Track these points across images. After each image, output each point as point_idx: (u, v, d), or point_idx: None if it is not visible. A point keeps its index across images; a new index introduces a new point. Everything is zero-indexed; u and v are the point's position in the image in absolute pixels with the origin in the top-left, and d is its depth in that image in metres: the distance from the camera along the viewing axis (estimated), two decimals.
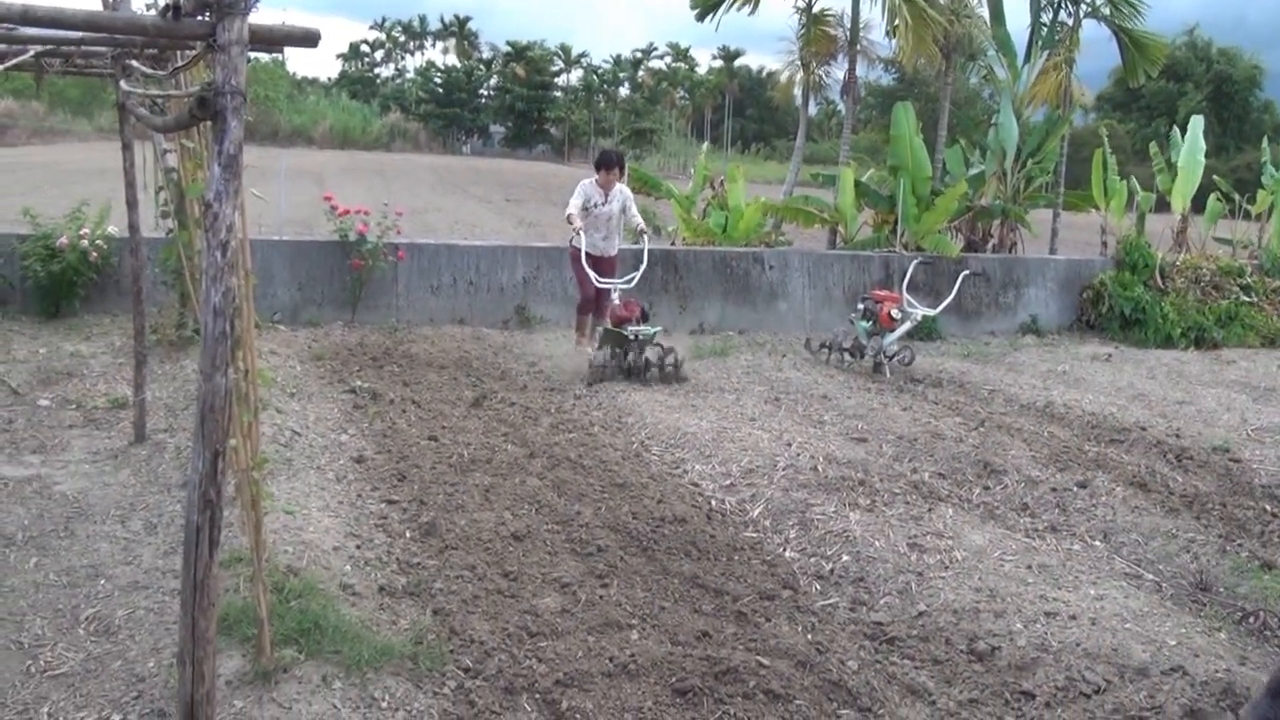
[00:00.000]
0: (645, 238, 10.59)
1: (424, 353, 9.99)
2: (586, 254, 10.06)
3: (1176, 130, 17.23)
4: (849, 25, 19.65)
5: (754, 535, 5.93)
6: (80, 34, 4.15)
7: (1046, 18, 16.91)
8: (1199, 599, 5.38)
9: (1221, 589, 5.49)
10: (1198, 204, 16.93)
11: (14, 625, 4.31)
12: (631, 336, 9.34)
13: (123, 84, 5.15)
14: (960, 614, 4.93)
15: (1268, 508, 6.72)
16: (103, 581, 4.77)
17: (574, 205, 10.21)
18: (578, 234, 10.01)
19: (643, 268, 10.19)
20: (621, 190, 10.62)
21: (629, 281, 9.99)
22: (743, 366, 10.44)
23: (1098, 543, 6.08)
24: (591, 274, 9.98)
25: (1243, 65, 65.69)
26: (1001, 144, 15.99)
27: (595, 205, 10.34)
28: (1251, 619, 5.09)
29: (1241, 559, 5.82)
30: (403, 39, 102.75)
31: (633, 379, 9.29)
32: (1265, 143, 18.95)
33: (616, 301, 9.69)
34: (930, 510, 6.25)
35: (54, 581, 4.75)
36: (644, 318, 9.60)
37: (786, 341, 12.16)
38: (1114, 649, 4.54)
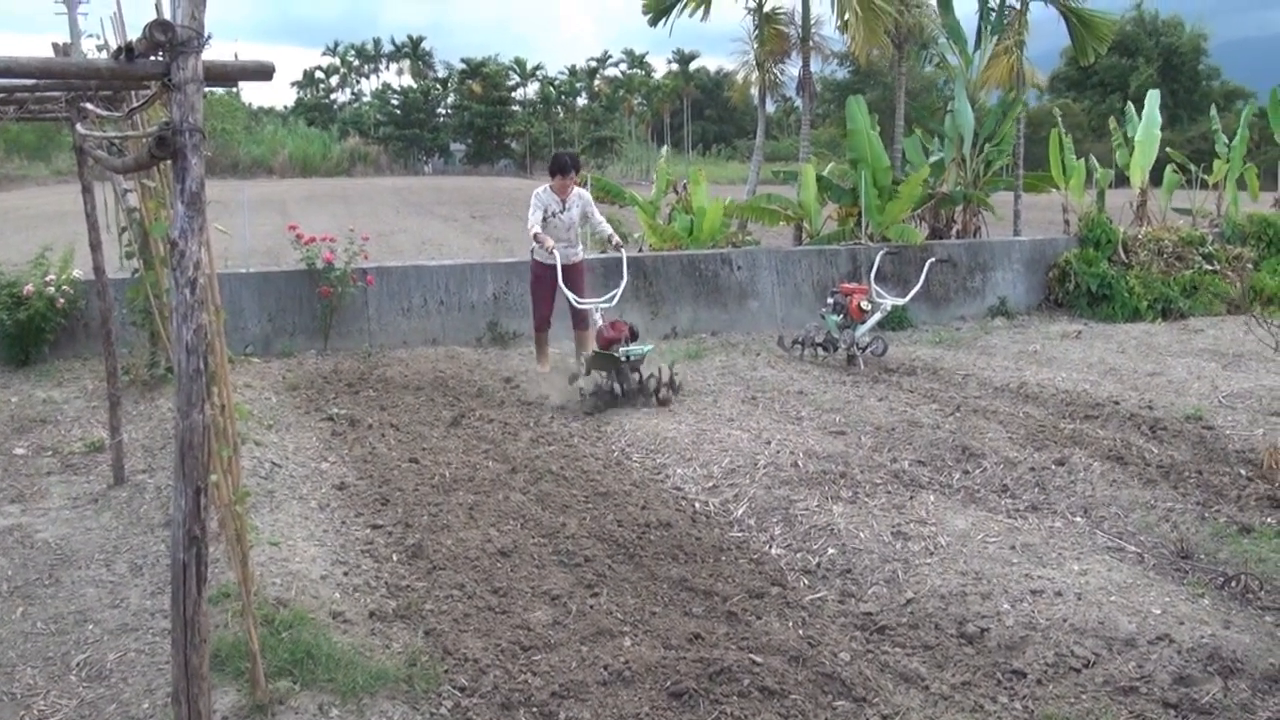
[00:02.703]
0: (622, 251, 10.10)
1: (399, 375, 9.98)
2: (545, 264, 9.71)
3: (1131, 106, 17.42)
4: (801, 22, 19.78)
5: (739, 535, 5.96)
6: (34, 80, 4.15)
7: (994, 2, 17.07)
8: (1181, 567, 5.45)
9: (1202, 555, 5.56)
10: (1156, 177, 17.12)
11: (5, 676, 4.29)
12: (622, 358, 8.80)
13: (79, 127, 5.14)
14: (948, 598, 4.97)
15: (1243, 472, 6.81)
16: (91, 626, 4.75)
17: (534, 220, 9.77)
18: (550, 253, 9.47)
19: (623, 283, 9.74)
20: (580, 195, 10.17)
21: (610, 300, 9.49)
22: (717, 368, 10.48)
23: (1079, 519, 6.14)
24: (570, 295, 9.53)
25: (1188, 36, 66.39)
26: (959, 130, 16.12)
27: (554, 214, 9.89)
28: (1233, 583, 5.16)
29: (1220, 524, 5.89)
30: (357, 63, 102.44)
31: (628, 403, 8.78)
32: (1213, 111, 19.19)
33: (600, 322, 9.16)
34: (912, 498, 6.30)
35: (42, 630, 4.73)
36: (633, 336, 9.00)
37: (759, 340, 12.21)
38: (1101, 622, 4.60)
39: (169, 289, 2.93)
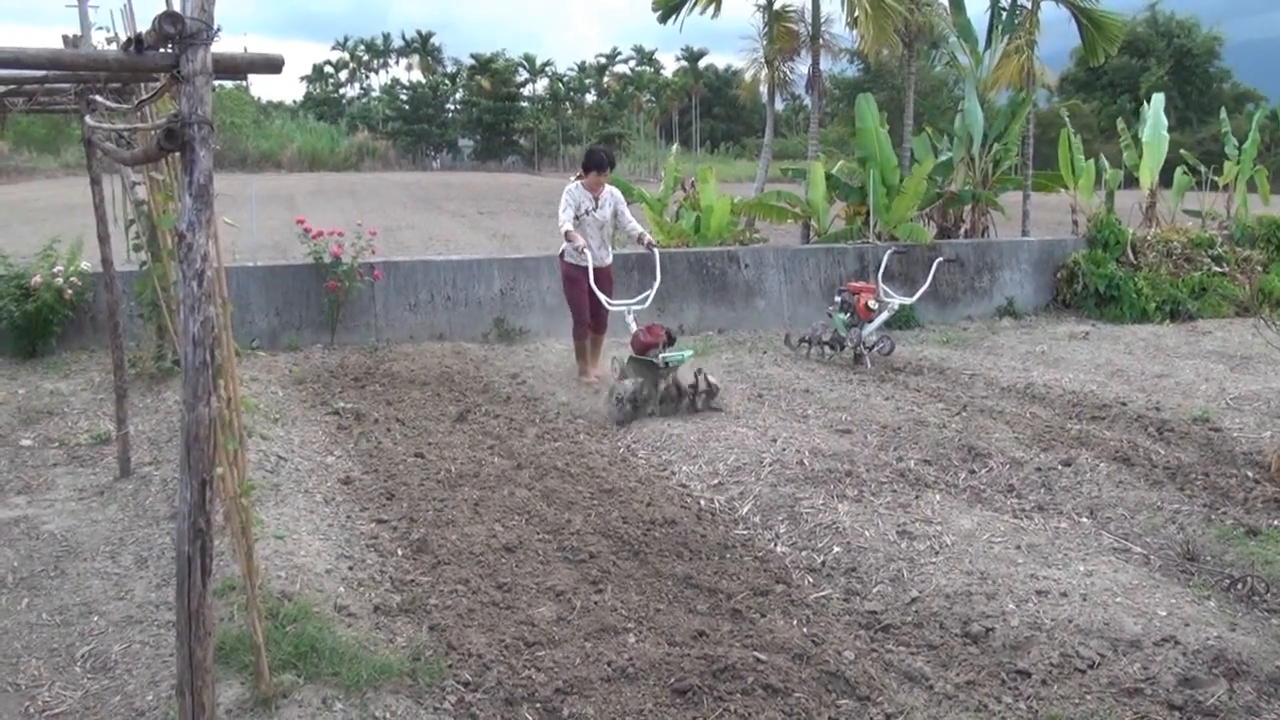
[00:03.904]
0: (655, 251, 9.58)
1: (405, 370, 9.98)
2: (578, 265, 9.33)
3: (1144, 106, 17.38)
4: (810, 20, 19.76)
5: (744, 532, 5.96)
6: (43, 72, 4.15)
7: (1006, 2, 17.03)
8: (1187, 569, 5.43)
9: (1208, 558, 5.54)
10: (1165, 178, 17.08)
11: (9, 667, 4.30)
12: (661, 364, 8.34)
13: (88, 119, 5.14)
14: (953, 598, 4.96)
15: (1250, 474, 6.79)
16: (96, 618, 4.76)
17: (566, 218, 9.31)
18: (581, 252, 9.09)
19: (655, 284, 9.30)
20: (612, 193, 9.70)
21: (643, 301, 9.10)
22: (724, 365, 10.46)
23: (1085, 519, 6.13)
24: (602, 296, 9.15)
25: (1201, 38, 66.22)
26: (968, 129, 16.09)
27: (587, 212, 9.46)
28: (1239, 585, 5.14)
29: (1227, 527, 5.88)
30: (366, 58, 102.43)
31: (665, 411, 8.36)
32: (1223, 114, 19.13)
33: (634, 326, 8.69)
34: (918, 497, 6.29)
35: (47, 621, 4.74)
36: (670, 340, 8.56)
37: (766, 338, 12.20)
38: (1106, 623, 4.59)
39: (176, 281, 2.93)
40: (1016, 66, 16.92)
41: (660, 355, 8.36)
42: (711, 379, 8.58)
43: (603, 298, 9.18)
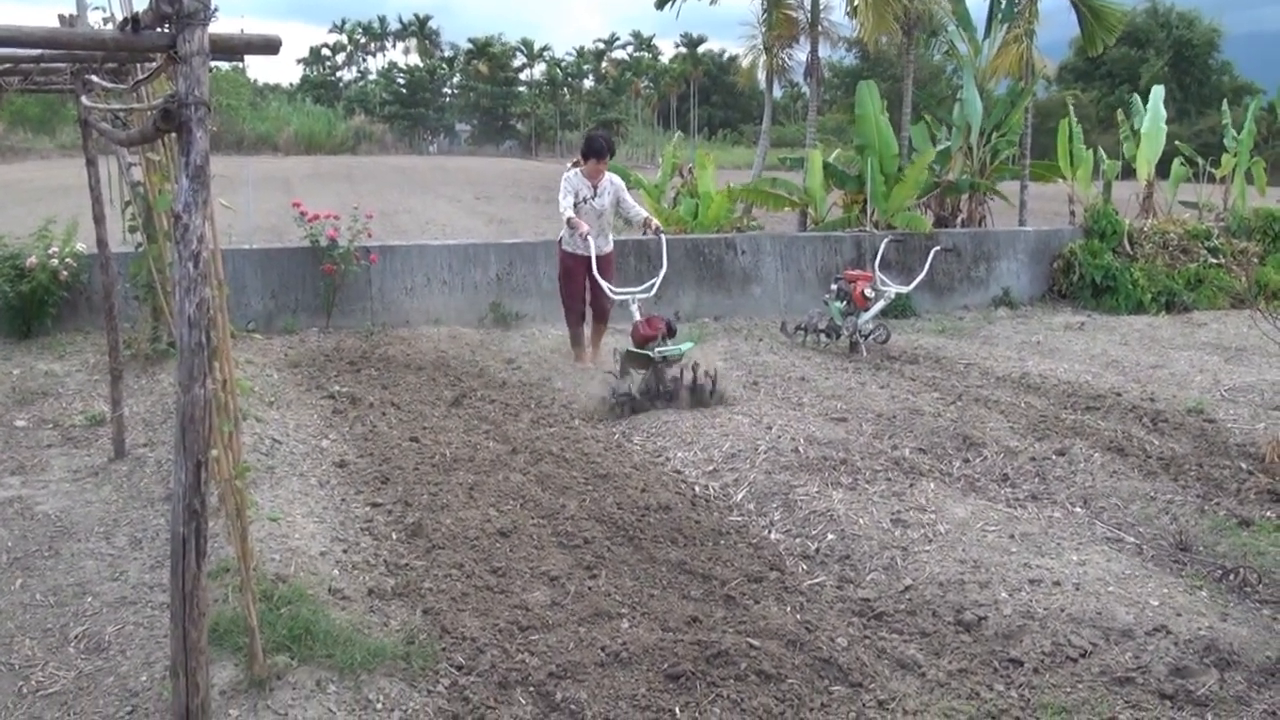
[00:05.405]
0: (662, 237, 9.33)
1: (401, 354, 9.97)
2: (576, 255, 9.28)
3: (1138, 98, 17.38)
4: (809, 7, 19.71)
5: (739, 519, 5.96)
6: (39, 51, 4.13)
7: None
8: (1179, 559, 5.45)
9: (1201, 548, 5.56)
10: (1162, 170, 17.08)
11: (3, 647, 4.30)
12: (658, 358, 8.08)
13: (84, 99, 5.12)
14: (946, 586, 4.98)
15: (1243, 466, 6.81)
16: (90, 599, 4.77)
17: (567, 205, 9.11)
18: (585, 240, 8.84)
19: (662, 272, 8.99)
20: (612, 180, 9.49)
21: (649, 289, 8.80)
22: (720, 353, 10.45)
23: (1078, 509, 6.15)
24: (605, 285, 8.85)
25: (1201, 29, 66.13)
26: (966, 119, 16.05)
27: (585, 200, 9.27)
28: (1232, 576, 5.16)
29: (1220, 517, 5.89)
30: (363, 40, 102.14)
31: (663, 405, 8.10)
32: (1225, 106, 19.12)
33: (638, 316, 8.42)
34: (912, 486, 6.30)
35: (41, 601, 4.75)
36: (670, 333, 8.24)
37: (762, 325, 12.19)
38: (1098, 612, 4.60)
39: (172, 263, 2.92)
40: (1015, 56, 16.89)
41: (657, 349, 8.13)
42: (714, 370, 8.30)
43: (607, 286, 8.95)
